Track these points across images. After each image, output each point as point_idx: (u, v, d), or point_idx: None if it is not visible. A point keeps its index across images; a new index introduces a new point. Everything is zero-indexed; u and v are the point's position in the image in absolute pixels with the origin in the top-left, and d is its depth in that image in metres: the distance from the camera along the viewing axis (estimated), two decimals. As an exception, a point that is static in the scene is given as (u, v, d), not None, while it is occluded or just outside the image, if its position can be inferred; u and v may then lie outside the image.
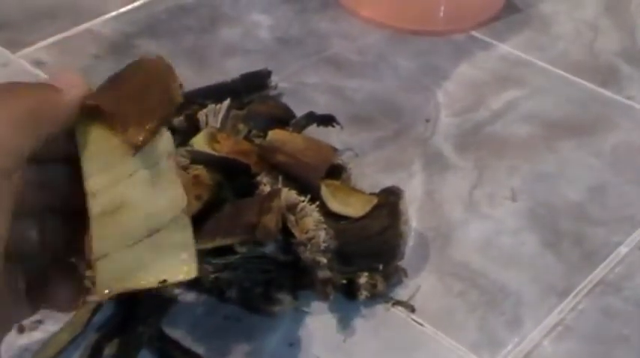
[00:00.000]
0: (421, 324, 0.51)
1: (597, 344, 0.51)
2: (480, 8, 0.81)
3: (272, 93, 0.68)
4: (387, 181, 0.61)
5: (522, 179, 0.63)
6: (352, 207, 0.54)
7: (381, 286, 0.52)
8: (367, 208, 0.54)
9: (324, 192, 0.54)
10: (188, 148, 0.54)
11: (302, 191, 0.52)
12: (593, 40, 0.78)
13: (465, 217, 0.59)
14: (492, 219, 0.59)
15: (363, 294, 0.51)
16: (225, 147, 0.55)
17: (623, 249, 0.57)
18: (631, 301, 0.53)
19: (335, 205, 0.53)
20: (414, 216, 0.59)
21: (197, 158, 0.52)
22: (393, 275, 0.53)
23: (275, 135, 0.57)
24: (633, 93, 0.71)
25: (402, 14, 0.79)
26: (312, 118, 0.61)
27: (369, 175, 0.62)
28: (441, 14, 0.79)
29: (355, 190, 0.56)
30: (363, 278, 0.51)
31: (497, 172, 0.63)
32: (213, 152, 0.53)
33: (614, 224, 0.59)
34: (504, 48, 0.76)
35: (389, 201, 0.55)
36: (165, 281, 0.36)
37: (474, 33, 0.78)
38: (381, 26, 0.78)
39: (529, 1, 0.82)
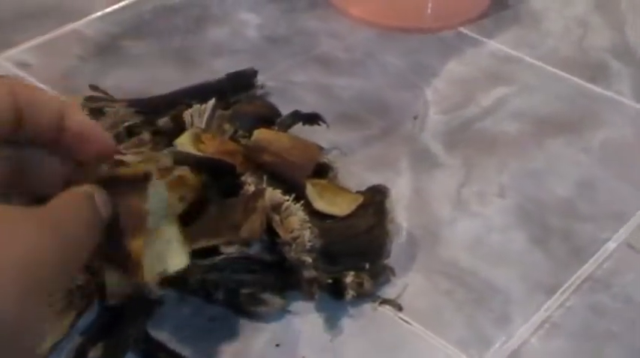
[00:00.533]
0: (409, 323, 0.51)
1: (585, 341, 0.50)
2: (469, 5, 0.80)
3: (259, 92, 0.68)
4: (374, 179, 0.61)
5: (511, 176, 0.62)
6: (338, 206, 0.53)
7: (367, 285, 0.52)
8: (353, 207, 0.54)
9: (310, 191, 0.53)
10: (172, 149, 0.54)
11: (287, 190, 0.52)
12: (583, 36, 0.77)
13: (453, 215, 0.59)
14: (481, 217, 0.59)
15: (350, 293, 0.51)
16: (210, 148, 0.54)
17: (611, 245, 0.57)
18: (619, 297, 0.53)
19: (321, 204, 0.53)
20: (402, 215, 0.59)
21: (181, 159, 0.52)
22: (380, 274, 0.53)
23: (260, 134, 0.56)
24: (622, 89, 0.71)
25: (391, 12, 0.79)
26: (298, 117, 0.61)
27: (357, 174, 0.61)
28: (429, 11, 0.79)
29: (341, 189, 0.56)
30: (349, 278, 0.51)
31: (486, 169, 0.63)
32: (197, 152, 0.53)
33: (602, 220, 0.59)
34: (493, 44, 0.76)
35: (375, 199, 0.54)
36: (165, 270, 0.42)
37: (463, 30, 0.78)
38: (370, 24, 0.78)
39: (518, -2, 0.82)
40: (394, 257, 0.55)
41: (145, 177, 0.41)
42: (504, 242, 0.57)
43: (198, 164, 0.52)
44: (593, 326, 0.51)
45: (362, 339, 0.50)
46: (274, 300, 0.51)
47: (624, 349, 0.50)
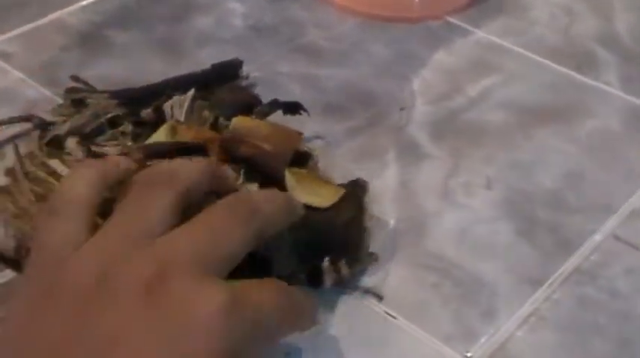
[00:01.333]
0: (394, 317, 0.51)
1: (572, 334, 0.50)
2: (456, -7, 0.80)
3: (244, 83, 0.67)
4: (360, 171, 0.60)
5: (498, 167, 0.62)
6: (318, 197, 0.53)
7: (345, 272, 0.51)
8: (335, 199, 0.53)
9: (289, 180, 0.53)
10: (140, 144, 0.53)
11: (265, 182, 0.51)
12: (569, 24, 0.77)
13: (439, 207, 0.59)
14: (467, 209, 0.59)
15: (327, 281, 0.50)
16: (185, 138, 0.54)
17: (597, 237, 0.56)
18: (606, 290, 0.53)
19: (300, 194, 0.52)
20: (388, 207, 0.58)
21: (149, 152, 0.51)
22: (358, 261, 0.52)
23: (239, 122, 0.56)
24: (609, 78, 0.70)
25: (377, 1, 0.78)
26: (276, 105, 0.60)
27: (342, 165, 0.61)
28: (416, 0, 0.78)
29: (322, 180, 0.55)
30: (326, 264, 0.50)
31: (473, 160, 0.62)
32: (163, 141, 0.53)
33: (589, 211, 0.58)
34: (480, 34, 0.76)
35: (355, 193, 0.54)
36: None
37: (450, 19, 0.77)
38: (356, 13, 0.77)
39: (505, -14, 0.81)
40: (379, 250, 0.55)
41: None
42: (491, 234, 0.57)
43: (166, 152, 0.52)
44: (580, 319, 0.51)
45: (346, 334, 0.50)
46: None
47: (611, 341, 0.50)
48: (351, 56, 0.73)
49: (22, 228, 0.51)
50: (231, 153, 0.53)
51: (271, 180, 0.52)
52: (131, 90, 0.63)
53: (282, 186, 0.52)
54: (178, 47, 0.72)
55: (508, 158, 0.63)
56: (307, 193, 0.52)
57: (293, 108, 0.60)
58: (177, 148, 0.52)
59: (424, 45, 0.74)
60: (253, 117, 0.59)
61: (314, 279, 0.50)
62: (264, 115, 0.60)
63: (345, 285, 0.51)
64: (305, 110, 0.60)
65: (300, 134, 0.57)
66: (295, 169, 0.55)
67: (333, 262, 0.50)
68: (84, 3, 0.77)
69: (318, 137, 0.62)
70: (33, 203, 0.52)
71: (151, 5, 0.77)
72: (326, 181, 0.55)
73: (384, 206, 0.59)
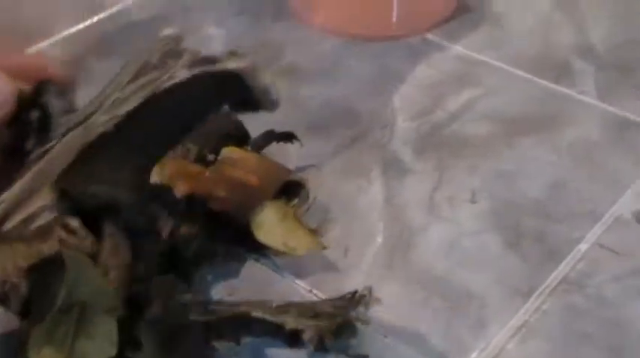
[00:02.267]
0: (384, 336, 0.51)
1: (562, 344, 0.51)
2: (433, 10, 0.81)
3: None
4: (346, 189, 0.61)
5: (482, 179, 0.63)
6: (294, 241, 0.53)
7: (329, 341, 0.49)
8: (308, 248, 0.53)
9: (273, 214, 0.54)
10: None
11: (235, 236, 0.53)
12: (546, 36, 0.78)
13: (426, 221, 0.59)
14: (454, 222, 0.59)
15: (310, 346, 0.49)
16: (171, 170, 0.54)
17: (583, 246, 0.57)
18: (593, 298, 0.53)
19: (277, 234, 0.53)
20: (375, 224, 0.59)
21: None
22: (344, 330, 0.50)
23: (228, 152, 0.56)
24: (587, 88, 0.71)
25: (356, 20, 0.79)
26: (271, 136, 0.61)
27: (328, 184, 0.61)
28: (394, 18, 0.79)
29: (303, 224, 0.55)
30: (308, 333, 0.48)
31: (457, 174, 0.63)
32: None
33: (574, 220, 0.59)
34: (458, 49, 0.76)
35: None
36: None
37: (428, 35, 0.78)
38: (335, 33, 0.78)
39: (481, 1, 0.82)
40: (368, 269, 0.55)
41: None
42: (478, 246, 0.57)
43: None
44: (570, 328, 0.52)
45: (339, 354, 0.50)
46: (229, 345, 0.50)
47: (601, 349, 0.50)
48: (333, 75, 0.73)
49: (7, 263, 0.50)
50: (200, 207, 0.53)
51: (239, 233, 0.53)
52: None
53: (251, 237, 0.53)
54: (160, 73, 0.73)
55: (491, 169, 0.63)
56: (285, 235, 0.53)
57: (286, 137, 0.61)
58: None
59: (404, 61, 0.75)
60: (248, 148, 0.59)
61: (294, 342, 0.49)
62: (259, 147, 0.61)
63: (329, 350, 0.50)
64: (297, 139, 0.61)
65: (289, 170, 0.58)
66: (282, 203, 0.55)
67: (316, 329, 0.48)
68: (65, 33, 0.77)
69: (307, 164, 0.62)
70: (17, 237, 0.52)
71: (130, 34, 0.77)
72: (307, 227, 0.56)
73: (370, 223, 0.59)
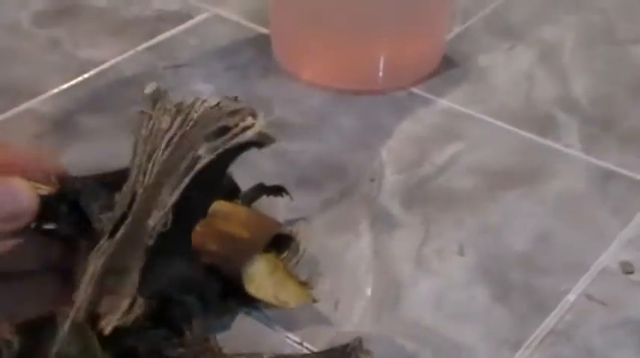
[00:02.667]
0: (376, 390, 0.51)
1: (552, 396, 0.51)
2: (419, 65, 0.82)
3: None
4: (333, 243, 0.61)
5: (469, 232, 0.63)
6: (284, 294, 0.54)
7: None
8: (299, 302, 0.54)
9: (264, 267, 0.54)
10: None
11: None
12: (529, 90, 0.80)
13: (414, 275, 0.60)
14: (442, 275, 0.60)
15: None
16: None
17: (570, 297, 0.58)
18: (582, 349, 0.54)
19: (268, 286, 0.53)
20: (363, 278, 0.59)
21: None
22: None
23: (218, 206, 0.57)
24: (570, 141, 0.73)
25: (342, 75, 0.80)
26: (262, 190, 0.62)
27: (316, 238, 0.62)
28: (381, 73, 0.80)
29: (294, 277, 0.56)
30: None
31: (445, 227, 0.64)
32: None
33: (561, 272, 0.60)
34: (444, 102, 0.78)
35: None
36: None
37: (414, 89, 0.80)
38: (323, 88, 0.80)
39: (466, 55, 0.84)
40: (358, 323, 0.55)
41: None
42: (467, 299, 0.58)
43: None
44: (559, 380, 0.52)
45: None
46: None
47: (590, 401, 0.50)
48: (321, 130, 0.74)
49: None
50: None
51: (230, 286, 0.53)
52: (104, 174, 0.63)
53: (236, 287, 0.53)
54: (150, 129, 0.73)
55: (478, 223, 0.64)
56: (275, 288, 0.53)
57: (276, 191, 0.62)
58: None
59: (390, 116, 0.76)
60: (238, 202, 0.60)
61: None
62: (250, 201, 0.61)
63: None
64: (287, 193, 0.62)
65: (279, 224, 0.59)
66: (272, 256, 0.56)
67: None
68: (55, 91, 0.78)
69: (298, 217, 0.63)
70: None
71: (121, 90, 0.78)
72: (298, 280, 0.56)
73: (359, 276, 0.59)
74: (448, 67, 0.83)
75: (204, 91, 0.79)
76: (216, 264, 0.54)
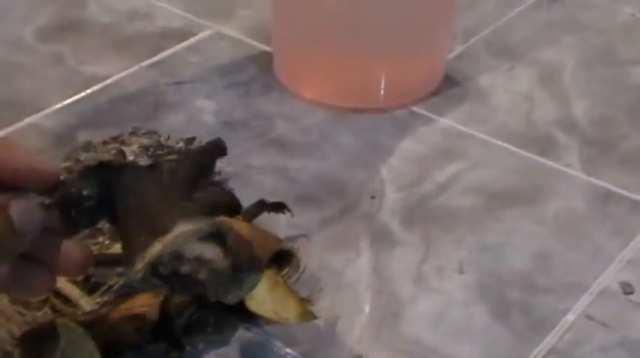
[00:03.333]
0: (375, 406, 0.51)
1: (551, 415, 0.51)
2: (420, 84, 0.83)
3: (217, 178, 0.68)
4: (334, 260, 0.62)
5: (469, 250, 0.63)
6: (284, 311, 0.54)
7: None
8: (299, 319, 0.54)
9: (263, 283, 0.54)
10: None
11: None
12: (530, 110, 0.80)
13: (414, 292, 0.60)
14: (441, 293, 0.60)
15: None
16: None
17: (570, 317, 0.58)
18: (581, 369, 0.54)
19: (268, 302, 0.53)
20: (363, 295, 0.59)
21: (100, 260, 0.53)
22: None
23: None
24: (570, 160, 0.73)
25: (344, 93, 0.81)
26: (263, 206, 0.62)
27: (316, 255, 0.62)
28: (382, 92, 0.81)
29: (295, 293, 0.56)
30: None
31: (444, 245, 0.64)
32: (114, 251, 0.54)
33: (561, 291, 0.60)
34: (445, 122, 0.78)
35: None
36: None
37: (415, 108, 0.80)
38: (324, 106, 0.80)
39: (467, 75, 0.85)
40: (357, 339, 0.55)
41: None
42: (466, 317, 0.58)
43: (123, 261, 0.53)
44: (558, 399, 0.52)
45: None
46: None
47: (589, 421, 0.50)
48: (321, 147, 0.75)
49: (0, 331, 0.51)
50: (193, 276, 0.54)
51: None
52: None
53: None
54: (151, 145, 0.74)
55: (478, 241, 0.64)
56: (276, 304, 0.53)
57: (277, 208, 0.62)
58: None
59: (391, 134, 0.77)
60: (239, 218, 0.60)
61: None
62: (251, 217, 0.61)
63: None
64: (289, 210, 0.62)
65: (280, 240, 0.59)
66: (273, 272, 0.56)
67: None
68: (58, 106, 0.78)
69: (298, 234, 0.63)
70: (10, 305, 0.52)
71: (123, 105, 0.79)
72: (298, 296, 0.56)
73: (359, 293, 0.59)
74: (449, 86, 0.83)
75: (206, 107, 0.79)
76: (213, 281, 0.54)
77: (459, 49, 0.88)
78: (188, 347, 0.53)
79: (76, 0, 0.94)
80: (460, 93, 0.82)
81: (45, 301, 0.52)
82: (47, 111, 0.78)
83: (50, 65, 0.84)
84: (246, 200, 0.63)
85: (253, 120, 0.78)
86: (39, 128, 0.75)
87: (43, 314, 0.52)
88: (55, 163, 0.44)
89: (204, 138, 0.74)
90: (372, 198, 0.69)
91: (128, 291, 0.54)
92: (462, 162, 0.73)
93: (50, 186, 0.42)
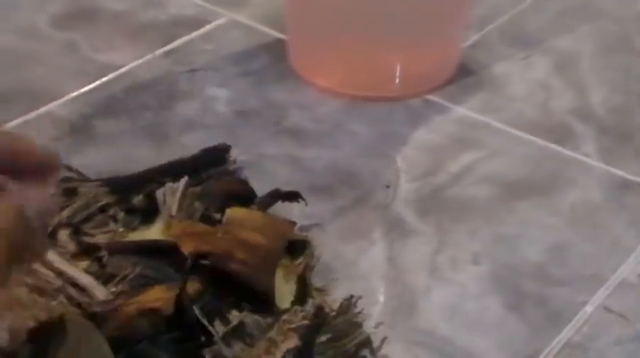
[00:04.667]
0: (389, 399, 0.51)
1: (567, 408, 0.50)
2: (435, 72, 0.82)
3: (231, 167, 0.68)
4: (347, 250, 0.61)
5: (483, 241, 0.63)
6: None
7: None
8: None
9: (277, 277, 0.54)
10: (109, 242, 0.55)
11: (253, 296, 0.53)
12: (546, 99, 0.79)
13: (428, 283, 0.59)
14: (456, 284, 0.59)
15: None
16: (177, 230, 0.55)
17: (588, 309, 0.57)
18: (597, 361, 0.53)
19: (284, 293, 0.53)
20: (377, 285, 0.59)
21: (114, 249, 0.53)
22: None
23: (233, 213, 0.57)
24: (587, 150, 0.72)
25: (358, 82, 0.80)
26: (277, 196, 0.62)
27: (330, 245, 0.62)
28: (397, 80, 0.80)
29: (309, 283, 0.56)
30: None
31: (459, 236, 0.63)
32: (132, 240, 0.54)
33: (578, 283, 0.59)
34: (460, 110, 0.78)
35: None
36: None
37: (430, 97, 0.79)
38: (338, 94, 0.79)
39: (482, 64, 0.84)
40: (372, 330, 0.55)
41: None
42: (481, 309, 0.57)
43: (134, 251, 0.53)
44: (573, 392, 0.51)
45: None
46: None
47: (605, 414, 0.50)
48: (335, 136, 0.74)
49: (16, 320, 0.51)
50: (221, 268, 0.54)
51: (258, 296, 0.53)
52: (122, 178, 0.64)
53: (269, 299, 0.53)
54: (164, 133, 0.74)
55: (493, 232, 0.64)
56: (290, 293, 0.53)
57: (292, 197, 0.62)
58: (147, 246, 0.54)
59: (405, 123, 0.76)
60: (254, 207, 0.60)
61: None
62: (265, 206, 0.61)
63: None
64: (303, 199, 0.62)
65: (293, 223, 0.58)
66: (287, 261, 0.56)
67: None
68: (73, 94, 0.78)
69: (312, 223, 0.63)
70: (27, 294, 0.52)
71: (137, 94, 0.78)
72: (313, 286, 0.56)
73: (373, 283, 0.59)
74: (464, 75, 0.82)
75: (219, 95, 0.79)
76: (246, 273, 0.54)
77: (473, 37, 0.87)
78: (203, 338, 0.53)
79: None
80: (475, 81, 0.82)
81: (60, 290, 0.52)
82: (62, 99, 0.77)
83: (64, 53, 0.83)
84: (260, 189, 0.63)
85: (267, 109, 0.77)
86: (54, 117, 0.75)
87: (58, 303, 0.52)
88: (55, 151, 0.43)
89: (217, 128, 0.75)
90: (387, 187, 0.68)
91: (143, 283, 0.53)
92: (477, 151, 0.72)
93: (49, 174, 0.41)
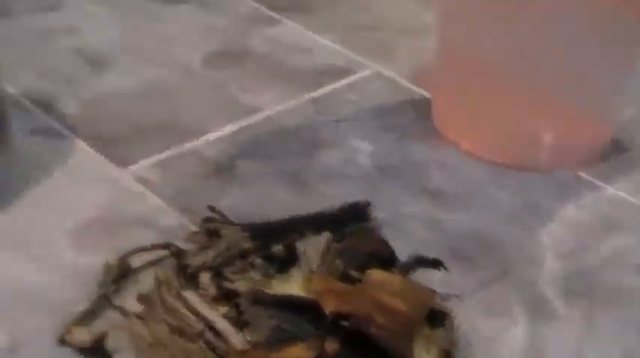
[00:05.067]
0: None
1: None
2: (586, 146, 0.79)
3: (372, 224, 0.67)
4: (486, 327, 0.59)
5: (636, 336, 0.59)
6: None
7: None
8: None
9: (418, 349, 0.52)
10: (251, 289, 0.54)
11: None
12: None
13: (573, 374, 0.56)
14: (602, 378, 0.56)
15: None
16: (318, 286, 0.54)
17: None
18: None
19: None
20: (518, 369, 0.56)
21: (258, 299, 0.52)
22: None
23: (374, 274, 0.56)
24: None
25: (505, 149, 0.78)
26: (420, 262, 0.60)
27: (469, 319, 0.59)
28: (546, 151, 0.77)
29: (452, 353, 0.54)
30: None
31: (608, 326, 0.60)
32: (276, 294, 0.53)
33: None
34: (612, 190, 0.74)
35: None
36: None
37: (579, 171, 0.76)
38: (482, 160, 0.77)
39: (636, 140, 0.80)
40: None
41: None
42: (630, 409, 0.54)
43: (278, 302, 0.52)
44: None
45: None
46: None
47: None
48: (476, 202, 0.72)
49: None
50: (361, 331, 0.52)
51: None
52: (263, 224, 0.63)
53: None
54: (305, 181, 0.73)
55: (645, 326, 0.60)
56: None
57: (434, 264, 0.61)
58: (289, 300, 0.53)
59: (552, 196, 0.73)
60: (394, 271, 0.59)
61: None
62: (406, 271, 0.60)
63: None
64: (445, 268, 0.60)
65: (434, 292, 0.57)
66: (428, 331, 0.54)
67: None
68: (219, 134, 0.79)
69: (451, 293, 0.60)
70: (167, 333, 0.52)
71: (281, 139, 0.78)
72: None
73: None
74: (618, 151, 0.79)
75: (362, 148, 0.78)
76: (384, 338, 0.52)
77: (629, 111, 0.83)
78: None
79: (243, 30, 0.95)
80: (629, 160, 0.78)
81: (200, 335, 0.52)
82: (207, 137, 0.78)
83: (212, 92, 0.85)
84: (396, 247, 0.61)
85: (408, 167, 0.76)
86: (198, 154, 0.76)
87: (198, 348, 0.51)
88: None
89: (357, 180, 0.74)
90: (531, 262, 0.65)
91: (280, 336, 0.52)
92: (629, 236, 0.69)
93: None
